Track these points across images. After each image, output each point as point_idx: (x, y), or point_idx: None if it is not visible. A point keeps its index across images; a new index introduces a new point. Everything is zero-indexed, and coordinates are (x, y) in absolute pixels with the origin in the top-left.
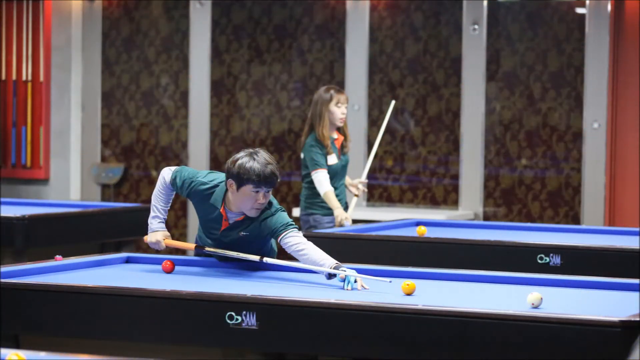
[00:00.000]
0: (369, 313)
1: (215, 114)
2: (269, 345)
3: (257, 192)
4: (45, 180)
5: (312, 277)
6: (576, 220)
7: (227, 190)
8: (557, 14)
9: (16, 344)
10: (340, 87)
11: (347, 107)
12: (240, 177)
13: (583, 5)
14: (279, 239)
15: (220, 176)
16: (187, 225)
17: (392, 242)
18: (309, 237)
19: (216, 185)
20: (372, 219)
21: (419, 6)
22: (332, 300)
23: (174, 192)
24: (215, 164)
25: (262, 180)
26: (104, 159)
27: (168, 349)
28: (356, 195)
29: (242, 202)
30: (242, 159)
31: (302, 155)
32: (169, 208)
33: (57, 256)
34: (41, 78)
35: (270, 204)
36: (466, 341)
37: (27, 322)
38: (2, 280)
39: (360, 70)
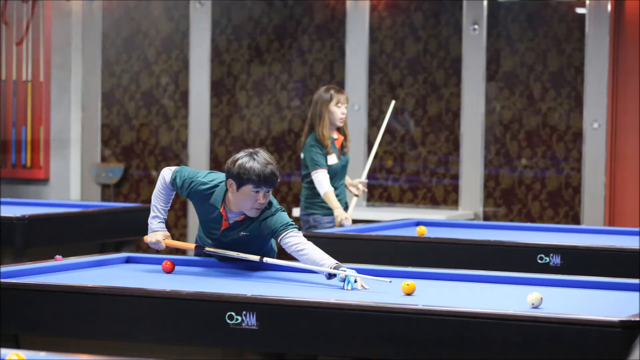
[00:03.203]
0: (369, 313)
1: (215, 114)
2: (269, 345)
3: (257, 192)
4: (45, 180)
5: (312, 277)
6: (576, 220)
7: (227, 190)
8: (557, 14)
9: (16, 344)
10: (340, 87)
11: (347, 107)
12: (240, 177)
13: (583, 5)
14: (279, 239)
15: (220, 176)
16: (187, 225)
17: (392, 242)
18: (309, 237)
19: (216, 185)
20: (372, 219)
21: (419, 6)
22: (332, 300)
23: (174, 192)
24: (215, 164)
25: (262, 180)
26: (104, 159)
27: (168, 349)
28: (356, 195)
29: (242, 202)
30: (242, 159)
31: (302, 155)
32: (169, 208)
33: (57, 256)
34: (41, 78)
35: (270, 204)
36: (466, 341)
37: (27, 322)
38: (2, 280)
39: (360, 70)
